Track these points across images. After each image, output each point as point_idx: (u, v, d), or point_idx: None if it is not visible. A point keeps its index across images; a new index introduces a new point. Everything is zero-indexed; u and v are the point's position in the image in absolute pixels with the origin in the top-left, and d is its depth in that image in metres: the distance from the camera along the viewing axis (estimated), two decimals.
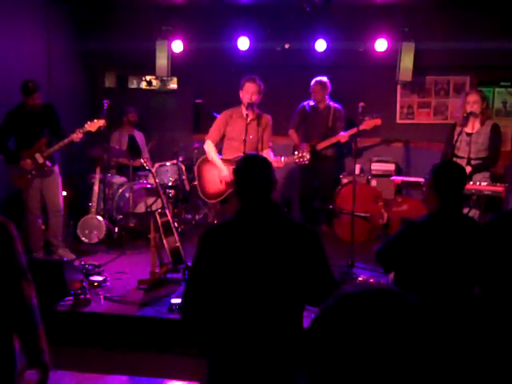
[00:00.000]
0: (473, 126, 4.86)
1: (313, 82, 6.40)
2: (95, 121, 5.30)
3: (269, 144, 5.20)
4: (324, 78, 6.39)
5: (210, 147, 5.10)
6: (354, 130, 5.44)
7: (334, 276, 2.17)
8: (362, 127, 6.16)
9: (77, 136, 5.19)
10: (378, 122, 6.28)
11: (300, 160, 4.98)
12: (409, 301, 0.83)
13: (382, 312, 0.81)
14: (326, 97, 6.44)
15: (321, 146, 6.43)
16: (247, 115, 4.91)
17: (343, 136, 6.34)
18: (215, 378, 2.11)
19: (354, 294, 0.85)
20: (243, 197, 2.18)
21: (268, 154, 5.15)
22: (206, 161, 5.18)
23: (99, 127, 5.32)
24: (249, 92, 4.87)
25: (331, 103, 6.49)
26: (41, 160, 5.24)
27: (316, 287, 2.11)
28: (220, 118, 5.15)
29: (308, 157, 4.97)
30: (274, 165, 4.88)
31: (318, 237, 2.18)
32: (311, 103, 6.54)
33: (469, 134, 4.80)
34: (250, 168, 2.22)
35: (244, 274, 2.04)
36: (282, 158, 4.98)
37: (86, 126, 5.26)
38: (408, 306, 0.82)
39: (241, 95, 4.98)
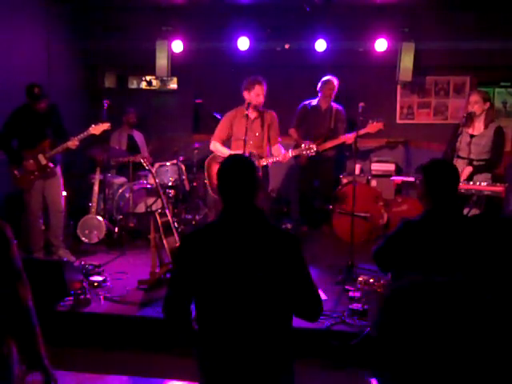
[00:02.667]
0: (476, 128, 4.84)
1: (326, 78, 6.34)
2: (100, 124, 5.27)
3: (277, 139, 5.25)
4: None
5: (216, 145, 5.20)
6: (358, 133, 5.44)
7: (316, 288, 2.11)
8: (365, 130, 6.17)
9: (72, 143, 5.17)
10: (381, 126, 6.28)
11: (307, 152, 5.05)
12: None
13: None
14: (332, 96, 6.44)
15: (323, 147, 6.41)
16: (247, 115, 4.94)
17: (349, 137, 6.30)
18: (204, 378, 2.13)
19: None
20: (226, 199, 2.13)
21: (278, 149, 5.22)
22: (215, 159, 5.23)
23: (103, 130, 5.30)
24: (259, 94, 4.96)
25: (333, 104, 6.48)
26: (44, 161, 5.23)
27: (296, 296, 2.07)
28: (224, 120, 5.22)
29: (315, 148, 5.05)
30: (281, 158, 5.02)
31: (299, 244, 2.12)
32: (313, 103, 6.52)
33: (471, 136, 4.79)
34: (233, 169, 2.14)
35: (223, 278, 2.03)
36: (290, 151, 5.09)
37: (90, 128, 5.23)
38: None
39: (247, 96, 4.99)
